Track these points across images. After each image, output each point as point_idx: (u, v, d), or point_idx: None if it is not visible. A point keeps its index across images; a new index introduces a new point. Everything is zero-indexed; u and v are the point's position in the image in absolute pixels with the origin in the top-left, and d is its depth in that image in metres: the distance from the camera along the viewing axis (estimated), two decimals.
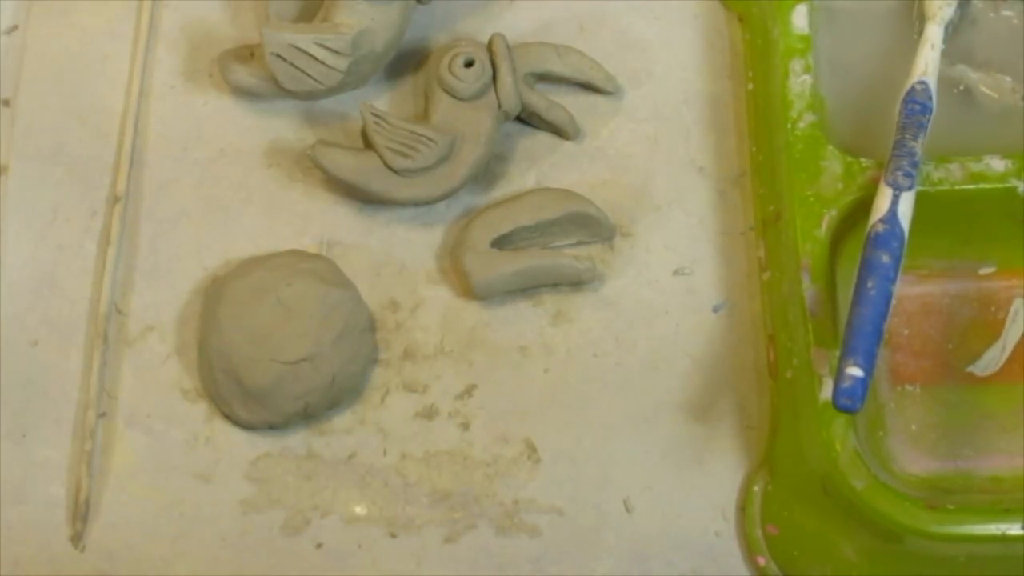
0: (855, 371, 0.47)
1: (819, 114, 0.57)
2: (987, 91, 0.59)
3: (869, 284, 0.50)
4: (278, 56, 0.58)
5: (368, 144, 0.59)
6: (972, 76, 0.59)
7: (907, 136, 0.54)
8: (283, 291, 0.55)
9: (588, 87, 0.62)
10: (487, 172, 0.61)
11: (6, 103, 0.63)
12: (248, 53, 0.61)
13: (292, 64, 0.58)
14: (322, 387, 0.55)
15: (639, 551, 0.55)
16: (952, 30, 0.60)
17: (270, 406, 0.55)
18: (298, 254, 0.58)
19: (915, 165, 0.53)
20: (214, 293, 0.57)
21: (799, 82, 0.57)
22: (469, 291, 0.58)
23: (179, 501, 0.55)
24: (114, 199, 0.60)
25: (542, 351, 0.58)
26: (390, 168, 0.58)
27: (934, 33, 0.58)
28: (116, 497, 0.56)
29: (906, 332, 0.57)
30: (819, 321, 0.53)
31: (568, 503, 0.56)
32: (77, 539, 0.55)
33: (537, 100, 0.61)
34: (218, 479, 0.56)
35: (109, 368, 0.57)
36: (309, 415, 0.56)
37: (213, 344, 0.56)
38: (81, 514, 0.55)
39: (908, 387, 0.56)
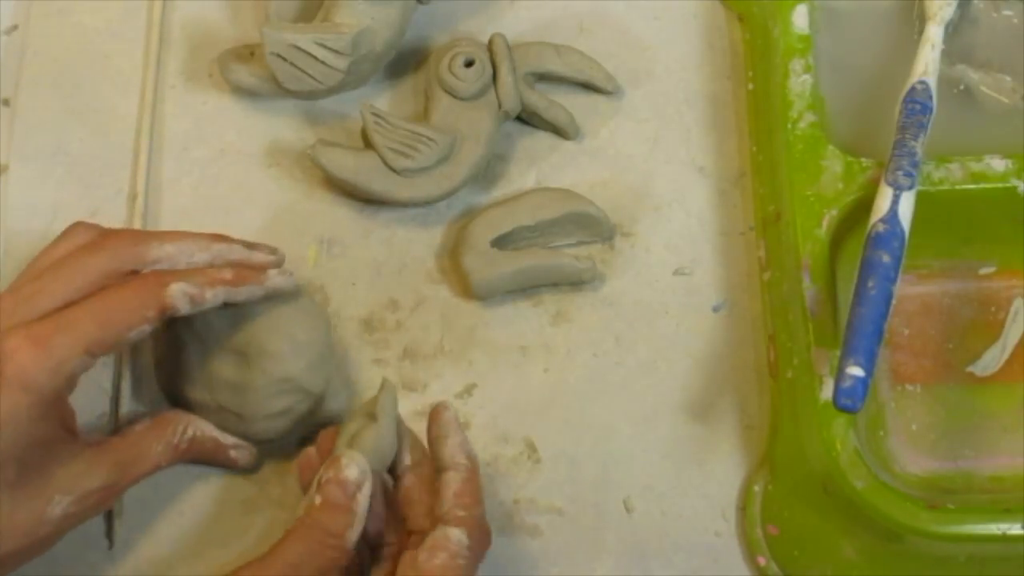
0: (856, 371, 0.47)
1: (819, 114, 0.57)
2: (987, 91, 0.59)
3: (869, 284, 0.50)
4: (278, 56, 0.58)
5: (368, 144, 0.59)
6: (972, 76, 0.59)
7: (907, 136, 0.54)
8: (251, 347, 0.53)
9: (588, 87, 0.62)
10: (487, 172, 0.61)
11: (6, 103, 0.63)
12: (248, 53, 0.61)
13: (292, 64, 0.58)
14: (233, 432, 0.55)
15: (639, 551, 0.55)
16: (952, 30, 0.60)
17: (187, 409, 0.55)
18: (296, 313, 0.54)
19: (915, 165, 0.53)
20: None
21: (799, 82, 0.57)
22: (469, 291, 0.58)
23: (180, 501, 0.55)
24: (134, 196, 0.60)
25: (542, 351, 0.58)
26: (390, 168, 0.58)
27: (934, 33, 0.58)
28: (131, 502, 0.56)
29: (906, 332, 0.57)
30: (819, 321, 0.53)
31: (568, 503, 0.56)
32: (111, 537, 0.55)
33: (537, 100, 0.61)
34: (219, 479, 0.56)
35: (109, 367, 0.57)
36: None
37: (178, 331, 0.55)
38: (116, 511, 0.55)
39: (908, 387, 0.56)
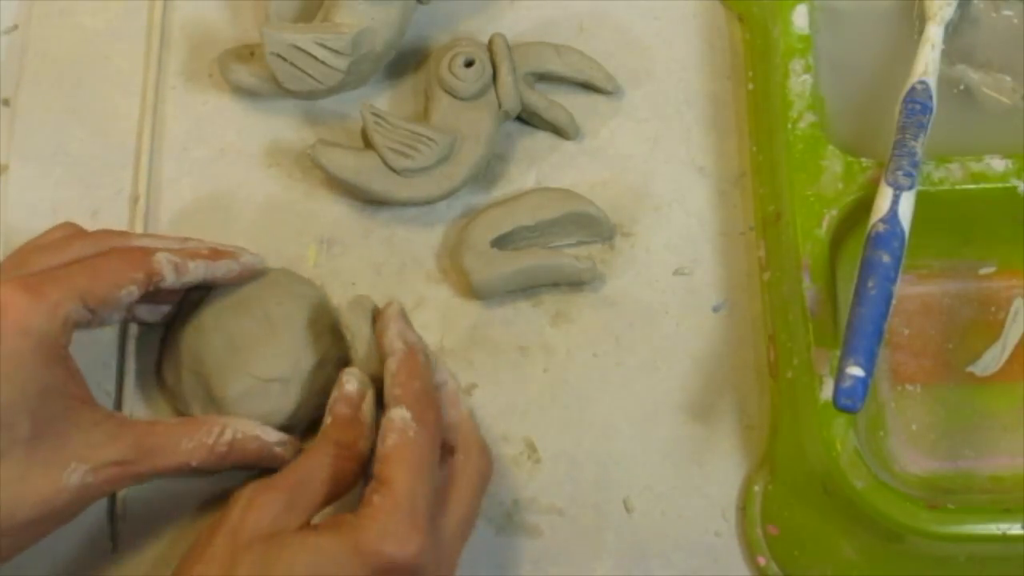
0: (856, 371, 0.47)
1: (819, 114, 0.57)
2: (987, 91, 0.59)
3: (869, 284, 0.50)
4: (278, 56, 0.58)
5: (368, 144, 0.59)
6: (972, 76, 0.59)
7: (907, 136, 0.54)
8: (272, 308, 0.55)
9: (588, 87, 0.62)
10: (487, 172, 0.61)
11: (6, 103, 0.63)
12: (248, 53, 0.61)
13: (292, 64, 0.58)
14: (285, 410, 0.54)
15: (639, 551, 0.55)
16: (952, 30, 0.60)
17: (234, 413, 0.54)
18: (291, 276, 0.57)
19: (915, 165, 0.53)
20: (201, 294, 0.56)
21: (799, 82, 0.57)
22: (469, 291, 0.58)
23: (181, 498, 0.55)
24: (135, 196, 0.60)
25: (542, 351, 0.58)
26: (390, 168, 0.58)
27: (934, 33, 0.58)
28: (120, 495, 0.55)
29: (906, 332, 0.57)
30: (819, 321, 0.53)
31: (568, 503, 0.56)
32: (115, 538, 0.55)
33: (537, 100, 0.61)
34: (221, 478, 0.56)
35: (111, 368, 0.57)
36: None
37: (189, 343, 0.55)
38: (119, 513, 0.55)
39: (908, 387, 0.56)
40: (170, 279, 0.52)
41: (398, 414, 0.49)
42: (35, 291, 0.48)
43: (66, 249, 0.52)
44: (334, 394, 0.52)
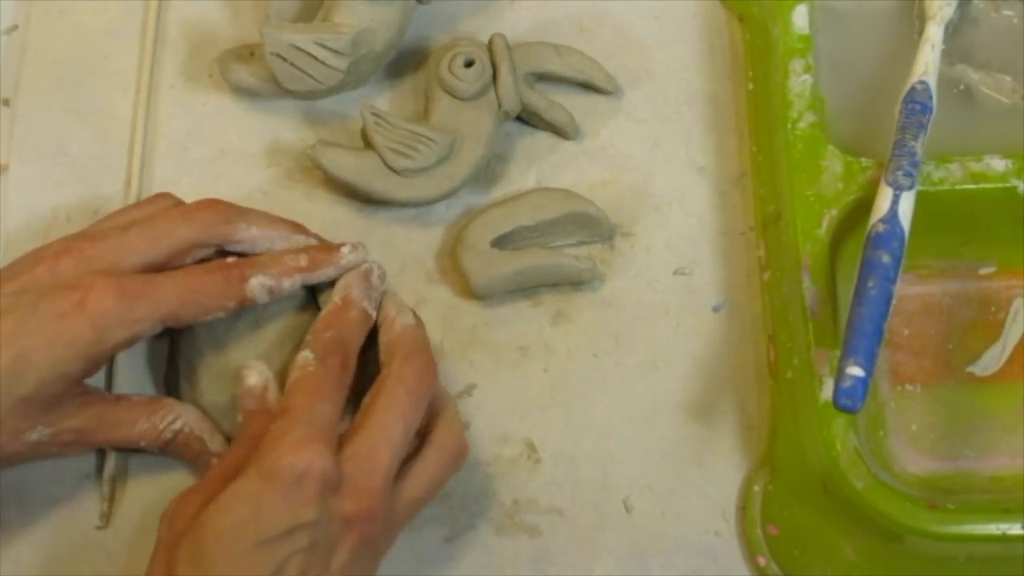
0: (856, 371, 0.47)
1: (819, 114, 0.57)
2: (987, 91, 0.59)
3: (869, 284, 0.50)
4: (278, 56, 0.58)
5: (368, 144, 0.59)
6: (972, 76, 0.59)
7: (907, 136, 0.54)
8: (261, 312, 0.55)
9: (588, 87, 0.62)
10: (487, 172, 0.61)
11: (6, 103, 0.63)
12: (248, 53, 0.61)
13: (292, 64, 0.58)
14: None
15: (639, 551, 0.55)
16: (952, 30, 0.60)
17: (221, 420, 0.54)
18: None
19: (915, 165, 0.53)
20: None
21: (799, 82, 0.57)
22: (469, 291, 0.58)
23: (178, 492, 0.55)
24: (136, 197, 0.60)
25: (542, 351, 0.58)
26: (390, 168, 0.58)
27: (934, 33, 0.58)
28: (125, 485, 0.56)
29: (906, 332, 0.57)
30: (819, 321, 0.53)
31: (568, 503, 0.56)
32: (105, 518, 0.55)
33: (537, 100, 0.61)
34: None
35: (109, 366, 0.57)
36: None
37: (183, 352, 0.55)
38: (107, 494, 0.55)
39: (908, 387, 0.56)
40: (262, 301, 0.53)
41: (302, 355, 0.51)
42: (126, 301, 0.49)
43: (168, 236, 0.51)
44: (239, 392, 0.52)
